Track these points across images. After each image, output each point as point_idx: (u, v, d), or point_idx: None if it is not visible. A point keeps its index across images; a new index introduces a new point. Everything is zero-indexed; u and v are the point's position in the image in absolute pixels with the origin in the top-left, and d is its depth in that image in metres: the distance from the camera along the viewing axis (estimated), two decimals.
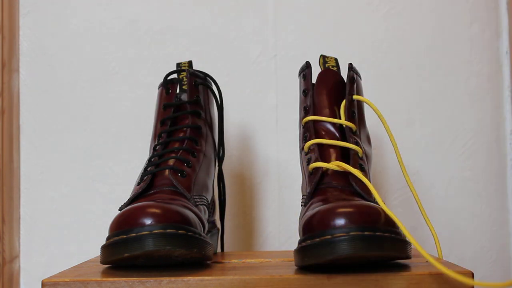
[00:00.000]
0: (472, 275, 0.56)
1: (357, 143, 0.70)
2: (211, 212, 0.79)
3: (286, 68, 1.04)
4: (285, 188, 1.03)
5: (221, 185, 0.86)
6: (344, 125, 0.72)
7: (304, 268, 0.59)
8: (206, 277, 0.56)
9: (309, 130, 0.73)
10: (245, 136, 1.04)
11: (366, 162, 0.70)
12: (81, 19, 1.05)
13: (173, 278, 0.56)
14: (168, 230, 0.56)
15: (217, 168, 0.84)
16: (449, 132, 1.04)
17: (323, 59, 0.80)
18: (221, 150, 0.83)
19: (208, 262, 0.65)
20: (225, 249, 0.89)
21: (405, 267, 0.59)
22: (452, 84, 1.04)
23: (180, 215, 0.59)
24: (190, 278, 0.56)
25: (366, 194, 0.64)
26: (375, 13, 1.05)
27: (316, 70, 0.76)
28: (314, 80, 0.76)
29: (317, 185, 0.67)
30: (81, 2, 1.05)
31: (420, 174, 1.03)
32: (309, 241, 0.57)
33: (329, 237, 0.55)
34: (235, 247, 1.02)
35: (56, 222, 1.03)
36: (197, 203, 0.67)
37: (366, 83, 1.06)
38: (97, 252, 0.65)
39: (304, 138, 0.73)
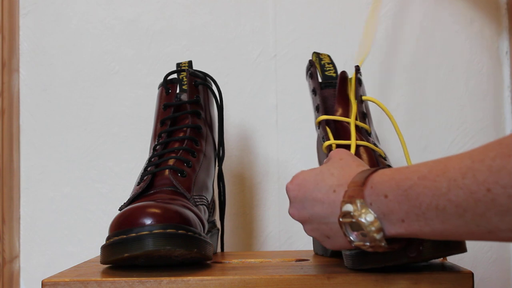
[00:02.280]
0: (472, 276, 0.56)
1: (375, 145, 0.70)
2: (211, 212, 0.79)
3: (286, 68, 1.04)
4: (285, 188, 1.03)
5: (221, 185, 0.86)
6: (360, 127, 0.71)
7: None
8: (206, 277, 0.56)
9: (325, 130, 0.72)
10: (245, 136, 1.04)
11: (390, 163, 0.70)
12: (81, 19, 1.05)
13: (173, 278, 0.56)
14: (168, 230, 0.56)
15: (217, 168, 0.84)
16: (449, 132, 1.04)
17: (317, 56, 0.80)
18: (221, 150, 0.83)
19: (208, 262, 0.65)
20: (225, 249, 0.89)
21: (405, 267, 0.59)
22: (452, 84, 1.04)
23: (180, 215, 0.59)
24: (190, 278, 0.56)
25: None
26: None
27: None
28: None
29: None
30: (81, 2, 1.05)
31: None
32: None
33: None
34: (235, 247, 1.02)
35: (56, 222, 1.03)
36: (197, 203, 0.67)
37: (366, 83, 1.06)
38: (97, 252, 0.65)
39: (322, 139, 0.73)
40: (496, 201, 0.38)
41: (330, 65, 0.78)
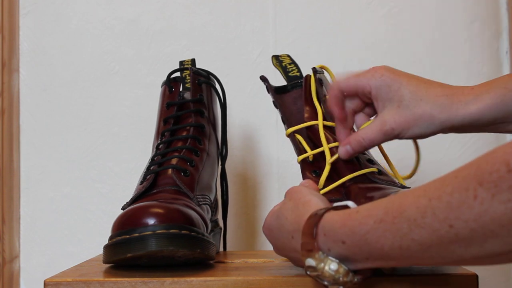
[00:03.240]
0: (476, 278, 0.55)
1: None
2: (214, 211, 0.78)
3: None
4: (286, 188, 1.02)
5: (224, 184, 0.85)
6: (330, 127, 0.68)
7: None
8: (209, 278, 0.56)
9: (295, 143, 0.70)
10: (246, 136, 1.04)
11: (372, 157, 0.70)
12: (81, 19, 1.05)
13: (176, 279, 0.56)
14: (171, 230, 0.56)
15: (220, 167, 0.83)
16: None
17: (276, 59, 0.77)
18: (224, 149, 0.82)
19: (211, 261, 0.65)
20: (227, 248, 0.88)
21: (407, 269, 0.59)
22: (452, 84, 1.04)
23: (183, 215, 0.58)
24: (193, 278, 0.56)
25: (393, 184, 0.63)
26: (375, 13, 1.05)
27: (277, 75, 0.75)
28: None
29: None
30: (81, 2, 1.05)
31: (420, 174, 1.03)
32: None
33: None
34: (237, 246, 1.02)
35: (56, 222, 1.02)
36: (200, 203, 0.67)
37: None
38: (97, 252, 0.65)
39: (299, 149, 0.70)
40: (459, 235, 0.38)
41: (292, 65, 0.76)
